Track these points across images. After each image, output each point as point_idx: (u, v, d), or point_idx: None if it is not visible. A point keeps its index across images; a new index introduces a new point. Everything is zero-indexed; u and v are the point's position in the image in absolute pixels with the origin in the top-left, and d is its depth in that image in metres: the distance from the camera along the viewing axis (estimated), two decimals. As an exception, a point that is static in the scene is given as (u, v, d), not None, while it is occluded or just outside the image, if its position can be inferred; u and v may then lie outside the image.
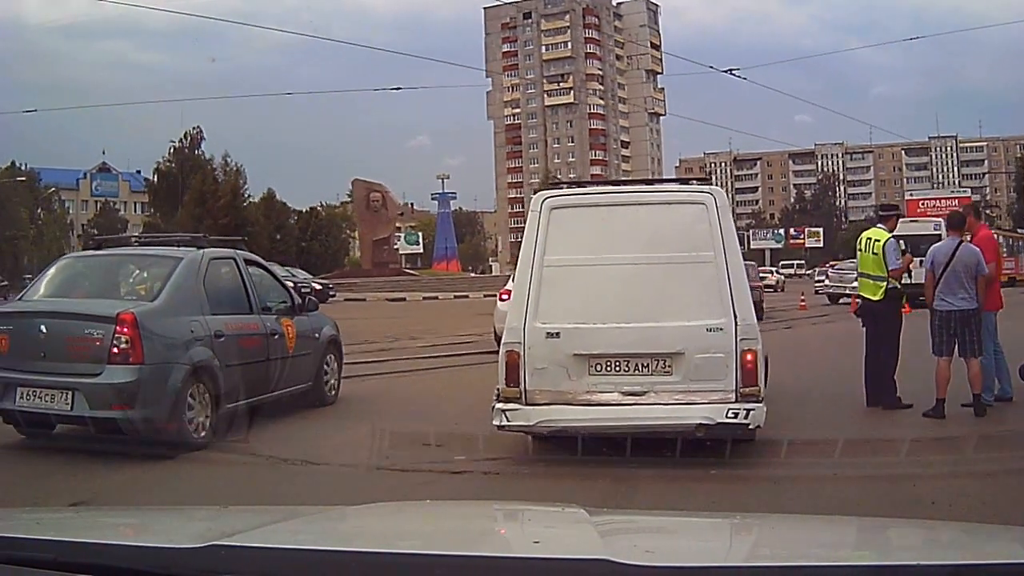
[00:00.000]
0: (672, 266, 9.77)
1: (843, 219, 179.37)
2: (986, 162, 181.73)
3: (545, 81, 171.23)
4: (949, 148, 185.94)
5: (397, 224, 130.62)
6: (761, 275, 50.42)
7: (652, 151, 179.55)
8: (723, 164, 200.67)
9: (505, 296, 23.16)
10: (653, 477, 8.78)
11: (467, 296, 63.10)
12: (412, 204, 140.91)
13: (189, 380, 10.64)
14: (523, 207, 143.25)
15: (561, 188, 11.18)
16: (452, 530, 3.59)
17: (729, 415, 9.26)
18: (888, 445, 10.01)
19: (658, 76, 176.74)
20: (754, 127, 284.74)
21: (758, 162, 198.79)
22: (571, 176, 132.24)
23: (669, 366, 9.56)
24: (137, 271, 11.84)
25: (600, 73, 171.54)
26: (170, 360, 10.55)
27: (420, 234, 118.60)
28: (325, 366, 13.94)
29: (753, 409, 9.28)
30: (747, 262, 44.37)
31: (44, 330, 10.51)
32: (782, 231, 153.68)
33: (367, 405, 14.08)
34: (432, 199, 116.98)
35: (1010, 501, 7.77)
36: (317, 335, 13.83)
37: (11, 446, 10.87)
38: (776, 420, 10.02)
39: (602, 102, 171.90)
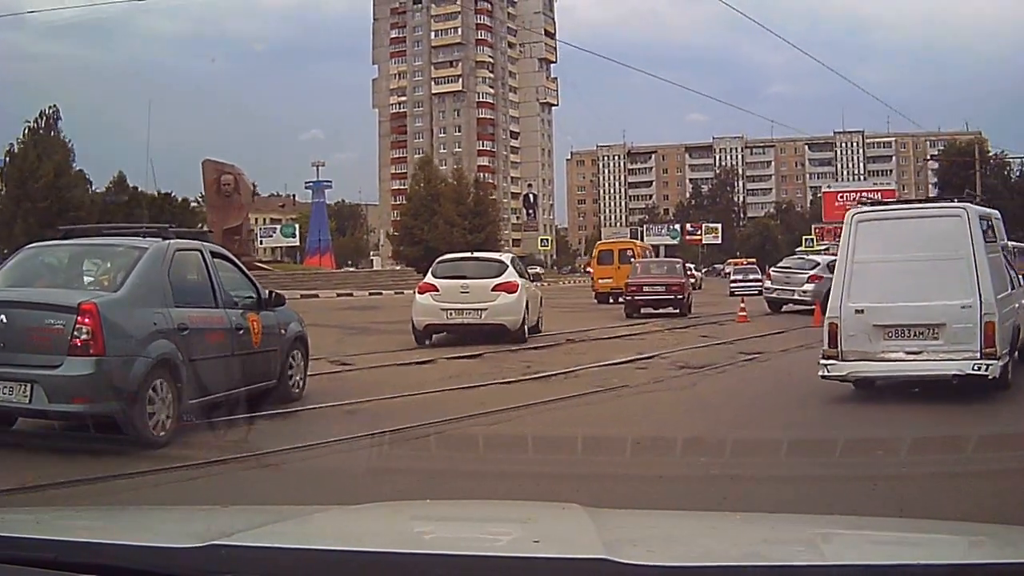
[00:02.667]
0: (938, 261, 13.89)
1: (742, 215, 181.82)
2: (894, 158, 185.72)
3: (433, 68, 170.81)
4: (855, 144, 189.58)
5: (278, 216, 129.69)
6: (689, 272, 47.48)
7: (543, 142, 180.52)
8: (616, 157, 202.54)
9: (424, 291, 23.85)
10: (653, 477, 9.11)
11: (316, 295, 57.41)
12: (294, 196, 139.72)
13: (151, 374, 10.60)
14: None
15: (866, 206, 15.70)
16: (452, 530, 3.74)
17: (974, 368, 13.28)
18: (888, 445, 10.31)
19: (552, 65, 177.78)
20: (649, 124, 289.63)
21: (653, 155, 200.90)
22: (455, 167, 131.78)
23: (936, 333, 13.70)
24: (101, 261, 11.85)
25: (491, 60, 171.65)
26: (132, 353, 10.54)
27: (297, 226, 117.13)
28: (291, 362, 14.08)
29: (991, 364, 13.29)
30: (674, 259, 42.59)
31: (3, 320, 10.39)
32: (678, 227, 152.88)
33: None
34: (306, 188, 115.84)
35: (1010, 501, 7.96)
36: (283, 331, 13.94)
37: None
38: (777, 420, 12.59)
39: (492, 91, 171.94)
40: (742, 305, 34.00)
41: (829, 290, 34.25)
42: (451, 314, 23.22)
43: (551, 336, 25.48)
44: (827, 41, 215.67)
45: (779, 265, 41.54)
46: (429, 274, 24.88)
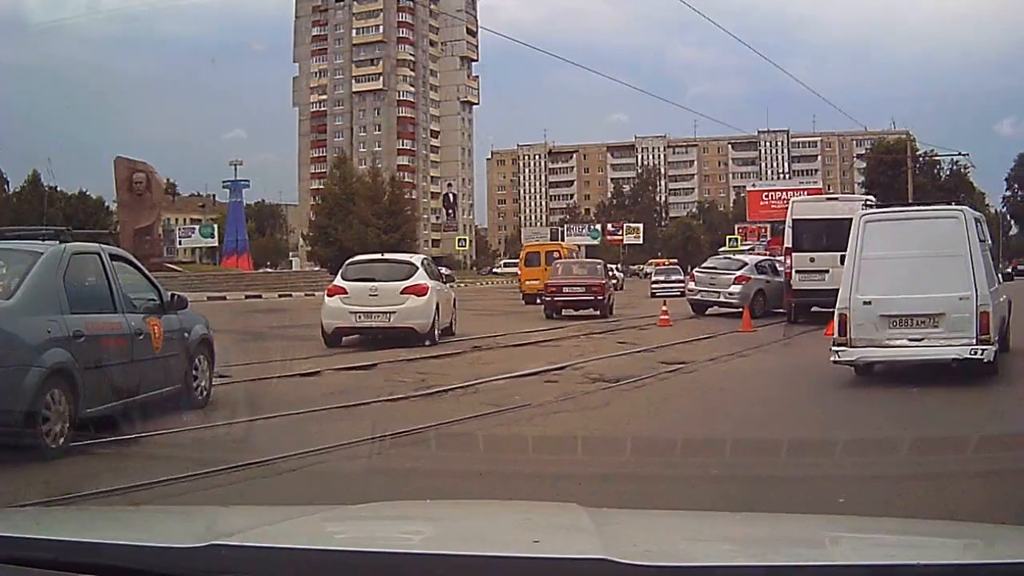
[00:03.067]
0: (938, 258, 15.65)
1: (663, 215, 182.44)
2: (819, 157, 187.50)
3: (354, 66, 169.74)
4: (780, 143, 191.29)
5: (199, 216, 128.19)
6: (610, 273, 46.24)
7: (463, 141, 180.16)
8: (537, 156, 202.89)
9: (333, 293, 23.79)
10: (653, 477, 9.13)
11: (224, 298, 54.94)
12: (214, 196, 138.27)
13: (45, 384, 10.39)
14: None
15: (873, 209, 18.54)
16: (452, 530, 3.71)
17: (971, 353, 15.12)
18: (888, 445, 10.51)
19: (473, 63, 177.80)
20: (571, 124, 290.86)
21: (574, 155, 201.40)
22: (370, 166, 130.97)
23: (937, 322, 15.48)
24: None
25: (412, 59, 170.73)
26: (25, 363, 10.30)
27: (216, 226, 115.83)
28: (195, 367, 13.84)
29: (986, 349, 15.17)
30: (595, 260, 42.43)
31: None
32: (598, 227, 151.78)
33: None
34: (224, 187, 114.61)
35: (1010, 501, 8.07)
36: (187, 335, 13.70)
37: None
38: (776, 419, 13.32)
39: (412, 89, 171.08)
40: (664, 308, 32.16)
41: (759, 291, 33.83)
42: (360, 317, 23.10)
43: (463, 340, 24.85)
44: (754, 41, 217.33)
45: (704, 265, 39.95)
46: (339, 276, 24.79)
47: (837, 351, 15.81)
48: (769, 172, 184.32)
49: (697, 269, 39.79)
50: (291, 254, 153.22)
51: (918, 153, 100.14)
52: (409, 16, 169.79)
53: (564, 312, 35.36)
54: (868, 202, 29.91)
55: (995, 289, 16.69)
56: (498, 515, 4.21)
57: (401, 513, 4.24)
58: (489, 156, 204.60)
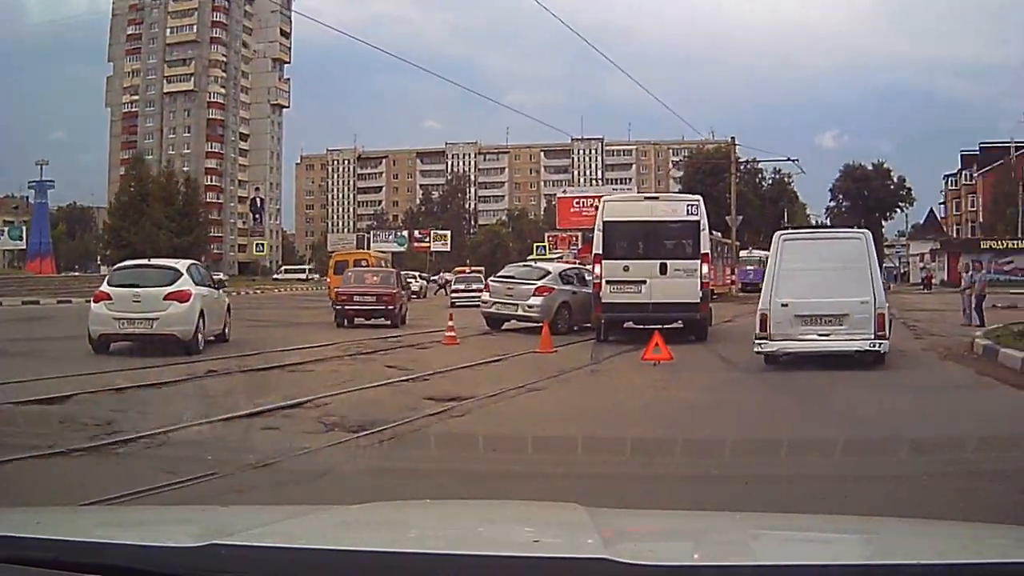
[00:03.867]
0: (844, 270, 19.47)
1: (472, 222, 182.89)
2: (634, 166, 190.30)
3: (166, 66, 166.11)
4: (594, 151, 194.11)
5: (12, 218, 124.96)
6: (407, 281, 45.85)
7: (272, 145, 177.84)
8: (346, 161, 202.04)
9: (99, 299, 23.45)
10: (653, 477, 9.32)
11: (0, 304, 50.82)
12: (27, 197, 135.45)
13: None
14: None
15: (789, 231, 24.09)
16: (452, 530, 3.75)
17: (870, 346, 19.13)
18: (888, 445, 10.83)
19: (285, 66, 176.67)
20: (382, 129, 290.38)
21: (384, 160, 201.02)
22: (170, 166, 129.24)
23: (842, 321, 19.39)
24: None
25: (224, 59, 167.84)
26: None
27: (24, 228, 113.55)
28: None
29: (882, 343, 19.22)
30: (389, 268, 43.42)
31: None
32: (405, 234, 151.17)
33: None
34: (29, 188, 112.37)
35: (1011, 501, 8.24)
36: None
37: None
38: (776, 421, 14.01)
39: (223, 91, 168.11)
40: (451, 323, 27.52)
41: (563, 304, 31.27)
42: (123, 324, 22.83)
43: (218, 359, 21.79)
44: (576, 51, 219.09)
45: (500, 274, 35.30)
46: (104, 282, 24.64)
47: (759, 344, 19.66)
48: (582, 180, 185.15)
49: (492, 278, 35.87)
50: (99, 258, 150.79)
51: (740, 160, 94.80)
52: (224, 16, 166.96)
53: (356, 321, 34.74)
54: (693, 203, 27.39)
55: (886, 295, 20.93)
56: (498, 515, 4.26)
57: (401, 513, 4.22)
58: (298, 160, 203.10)
